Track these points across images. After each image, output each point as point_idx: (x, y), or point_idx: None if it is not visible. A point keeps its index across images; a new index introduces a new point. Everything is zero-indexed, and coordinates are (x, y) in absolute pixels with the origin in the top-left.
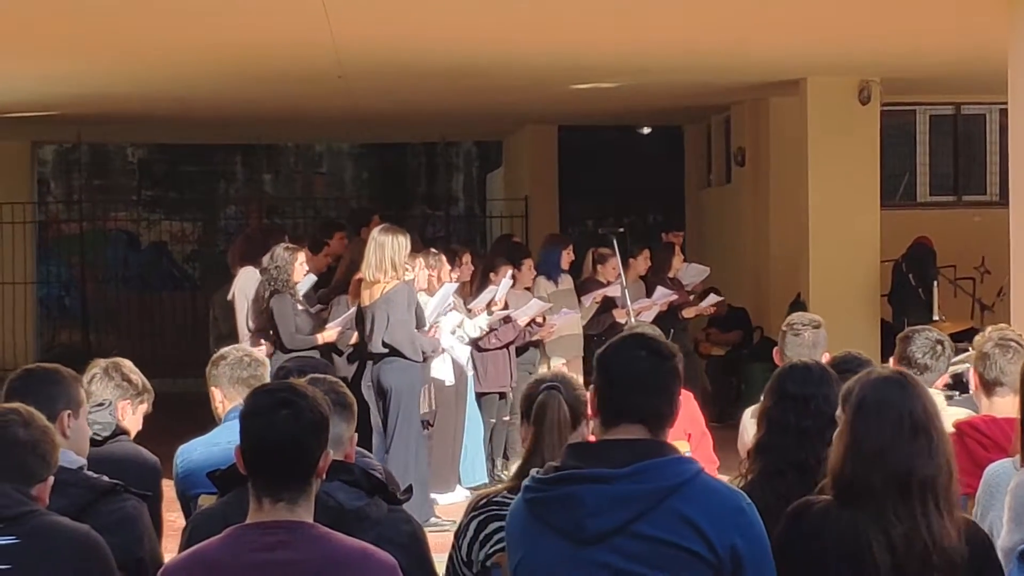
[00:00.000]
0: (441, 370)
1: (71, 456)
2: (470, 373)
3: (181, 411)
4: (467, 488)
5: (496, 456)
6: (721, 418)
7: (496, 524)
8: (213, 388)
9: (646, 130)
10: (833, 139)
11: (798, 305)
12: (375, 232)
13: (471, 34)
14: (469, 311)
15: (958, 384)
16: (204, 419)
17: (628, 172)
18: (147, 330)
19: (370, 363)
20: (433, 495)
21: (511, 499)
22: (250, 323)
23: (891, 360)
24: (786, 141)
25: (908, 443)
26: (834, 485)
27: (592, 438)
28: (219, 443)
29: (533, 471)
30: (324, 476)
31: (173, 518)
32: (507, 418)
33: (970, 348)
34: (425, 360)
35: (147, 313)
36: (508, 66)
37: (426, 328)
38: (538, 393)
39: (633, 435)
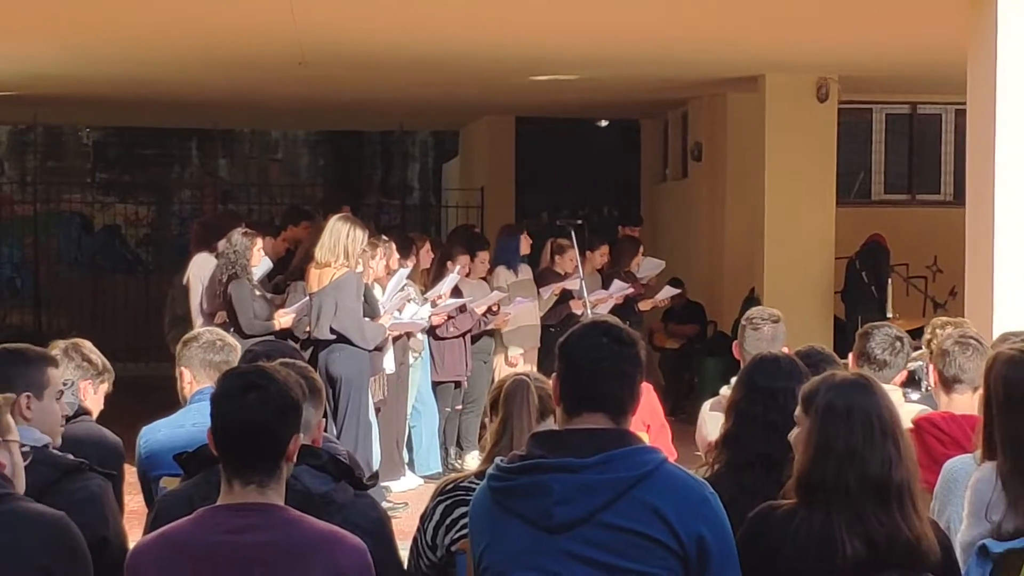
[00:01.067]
0: (383, 359)
1: (35, 434)
2: (412, 360)
3: (134, 395)
4: (421, 476)
5: (450, 445)
6: (674, 412)
7: (462, 509)
8: (183, 368)
9: (603, 123)
10: (790, 136)
11: (752, 301)
12: (334, 219)
13: (431, 24)
14: (425, 300)
15: (911, 381)
16: (159, 403)
17: (585, 165)
18: (99, 313)
19: (318, 350)
20: (384, 483)
21: (477, 485)
22: (203, 306)
23: (850, 356)
24: (743, 137)
25: (880, 446)
26: (801, 487)
27: None
28: (183, 425)
29: (497, 459)
30: (294, 460)
31: (127, 500)
32: (460, 407)
33: (922, 346)
34: (377, 349)
35: (100, 296)
36: (468, 57)
37: (381, 313)
38: (507, 382)
39: (596, 424)
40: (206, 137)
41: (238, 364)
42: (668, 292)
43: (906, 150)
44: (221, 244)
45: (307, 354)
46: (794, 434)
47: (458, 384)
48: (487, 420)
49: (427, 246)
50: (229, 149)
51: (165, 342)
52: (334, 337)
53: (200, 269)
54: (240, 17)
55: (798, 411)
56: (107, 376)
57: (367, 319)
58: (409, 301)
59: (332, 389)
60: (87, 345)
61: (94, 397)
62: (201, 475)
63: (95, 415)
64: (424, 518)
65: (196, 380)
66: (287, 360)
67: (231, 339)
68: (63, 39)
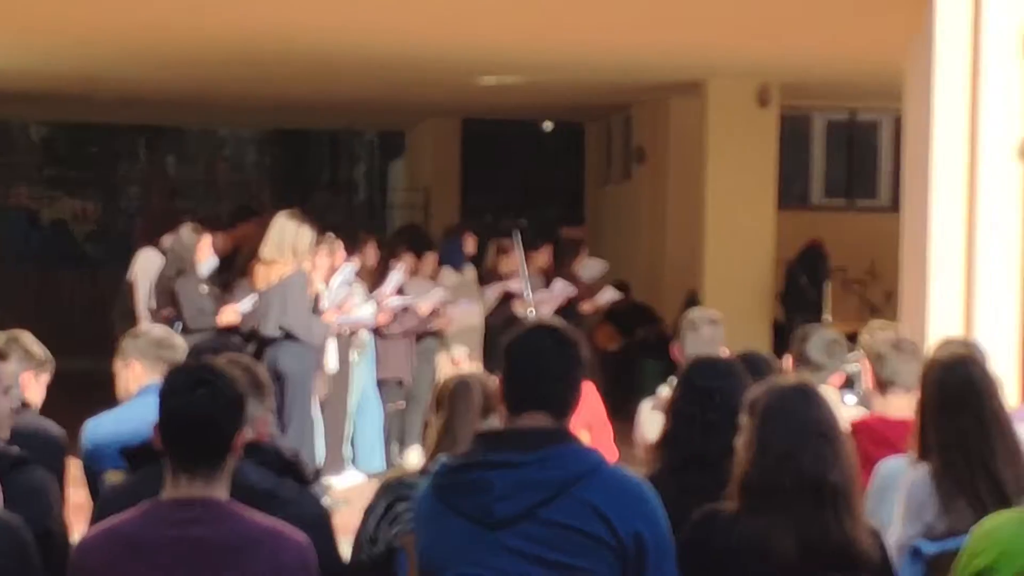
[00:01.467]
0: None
1: None
2: (355, 357)
3: (80, 389)
4: (364, 473)
5: (392, 443)
6: (615, 412)
7: (404, 505)
8: (134, 361)
9: (548, 126)
10: (731, 140)
11: (692, 303)
12: (281, 215)
13: (379, 25)
14: (371, 299)
15: (847, 384)
16: (104, 397)
17: (529, 167)
18: (46, 308)
19: (265, 346)
20: (327, 479)
21: (421, 481)
22: (151, 302)
23: (787, 358)
24: (685, 141)
25: (816, 448)
26: (741, 491)
27: None
28: (129, 419)
29: (441, 457)
30: (239, 455)
31: (71, 493)
32: (403, 405)
33: (858, 349)
34: (320, 345)
35: (46, 291)
36: (415, 59)
37: (324, 309)
38: (452, 381)
39: (539, 423)
40: (154, 134)
41: (185, 360)
42: (609, 294)
43: (845, 156)
44: (169, 240)
45: (250, 349)
46: (738, 441)
47: (401, 382)
48: (431, 418)
49: (373, 244)
50: (177, 146)
51: (112, 337)
52: (280, 334)
53: (146, 266)
54: (188, 15)
55: (743, 418)
56: (48, 366)
57: (314, 316)
58: (352, 295)
59: (278, 385)
60: (27, 336)
61: (36, 388)
62: (145, 469)
63: (37, 405)
64: (368, 511)
65: (146, 374)
66: (233, 356)
67: (178, 337)
68: (9, 34)
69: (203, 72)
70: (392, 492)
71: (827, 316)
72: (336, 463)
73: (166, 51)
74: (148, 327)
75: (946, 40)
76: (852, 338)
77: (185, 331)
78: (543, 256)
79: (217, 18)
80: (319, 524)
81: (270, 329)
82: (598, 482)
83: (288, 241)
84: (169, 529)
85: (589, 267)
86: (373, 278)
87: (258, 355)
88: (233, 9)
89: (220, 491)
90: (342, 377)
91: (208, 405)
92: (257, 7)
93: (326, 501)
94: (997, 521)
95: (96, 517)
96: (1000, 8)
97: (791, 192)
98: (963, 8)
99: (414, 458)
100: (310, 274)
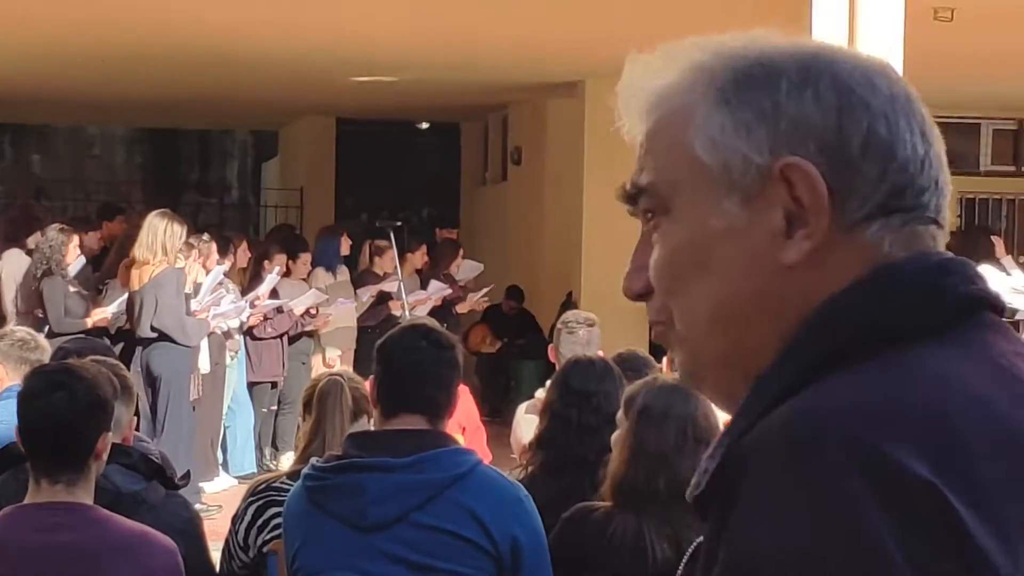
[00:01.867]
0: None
1: None
2: (229, 359)
3: None
4: (235, 477)
5: (265, 446)
6: (491, 415)
7: (274, 510)
8: None
9: (424, 125)
10: (610, 142)
11: (569, 304)
12: (151, 215)
13: (252, 23)
14: (245, 301)
15: None
16: None
17: (405, 167)
18: None
19: (139, 348)
20: (198, 484)
21: (290, 485)
22: (19, 304)
23: (664, 360)
24: (562, 141)
25: (692, 452)
26: (616, 490)
27: None
28: None
29: (313, 459)
30: (104, 458)
31: None
32: (275, 407)
33: None
34: (195, 345)
35: None
36: (287, 57)
37: (194, 310)
38: (321, 382)
39: (413, 425)
40: (19, 132)
41: (48, 362)
42: (483, 292)
43: None
44: (35, 240)
45: (118, 349)
46: (615, 436)
47: (274, 384)
48: (301, 418)
49: (244, 245)
50: (44, 144)
51: None
52: (155, 335)
53: (12, 266)
54: (53, 8)
55: (620, 413)
56: None
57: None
58: (224, 296)
59: (152, 387)
60: None
61: None
62: (9, 473)
63: None
64: (236, 519)
65: (9, 377)
66: (98, 358)
67: (42, 339)
68: None
69: (70, 69)
70: (261, 497)
71: None
72: (208, 467)
73: (32, 46)
74: (12, 329)
75: (824, 39)
76: None
77: (51, 334)
78: (418, 257)
79: (83, 13)
80: (188, 530)
81: (143, 330)
82: (474, 485)
83: (159, 240)
84: (33, 534)
85: (465, 268)
86: (243, 279)
87: (128, 356)
88: (100, 4)
89: (84, 495)
90: (215, 379)
91: (66, 409)
92: (125, 3)
93: (198, 507)
94: None
95: None
96: (874, 9)
97: None
98: (840, 9)
99: (289, 464)
100: (183, 273)
